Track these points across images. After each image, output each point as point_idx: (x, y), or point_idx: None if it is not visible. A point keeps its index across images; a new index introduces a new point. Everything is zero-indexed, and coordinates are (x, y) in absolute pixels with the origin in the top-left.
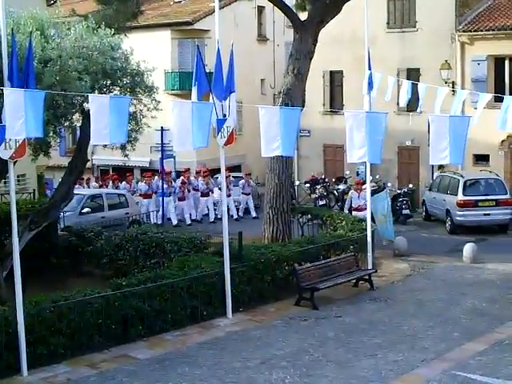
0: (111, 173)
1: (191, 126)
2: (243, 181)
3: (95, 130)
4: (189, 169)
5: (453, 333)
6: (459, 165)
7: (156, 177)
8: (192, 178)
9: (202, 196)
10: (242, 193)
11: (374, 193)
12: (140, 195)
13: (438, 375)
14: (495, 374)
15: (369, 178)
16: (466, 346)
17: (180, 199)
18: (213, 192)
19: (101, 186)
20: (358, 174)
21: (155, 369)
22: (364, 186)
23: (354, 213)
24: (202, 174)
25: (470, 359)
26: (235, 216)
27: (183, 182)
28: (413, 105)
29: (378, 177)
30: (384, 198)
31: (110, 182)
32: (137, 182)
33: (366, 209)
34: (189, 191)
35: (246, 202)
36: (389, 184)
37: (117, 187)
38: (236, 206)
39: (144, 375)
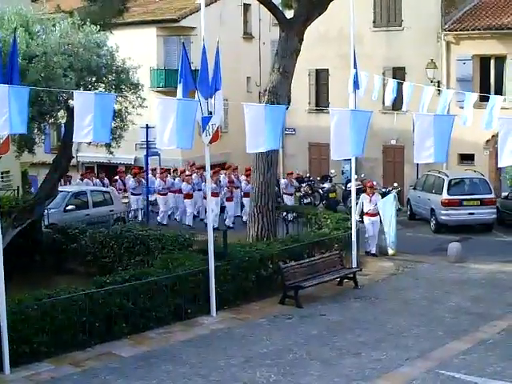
0: (127, 168)
1: (176, 124)
2: (285, 180)
3: (78, 127)
4: (230, 166)
5: (437, 331)
6: (444, 162)
7: (194, 174)
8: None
9: (244, 196)
10: (284, 193)
11: (359, 191)
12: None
13: (422, 374)
14: (479, 373)
15: (354, 176)
16: (450, 345)
17: (228, 200)
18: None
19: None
20: (342, 173)
21: (139, 366)
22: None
23: (365, 218)
24: (245, 173)
25: (454, 358)
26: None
27: (231, 181)
28: (398, 104)
29: (362, 175)
30: (391, 203)
31: (131, 178)
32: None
33: (378, 214)
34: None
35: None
36: (395, 184)
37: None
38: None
39: (128, 373)
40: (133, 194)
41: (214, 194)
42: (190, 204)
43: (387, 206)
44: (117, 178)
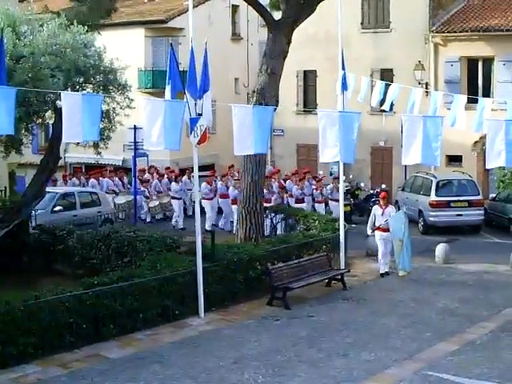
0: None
1: (163, 125)
2: (331, 185)
3: (67, 127)
4: (278, 170)
5: (425, 333)
6: (437, 165)
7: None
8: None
9: (296, 202)
10: (331, 199)
11: (347, 193)
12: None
13: (410, 375)
14: (467, 374)
15: (342, 177)
16: (437, 346)
17: (298, 201)
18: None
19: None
20: (331, 174)
21: (127, 368)
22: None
23: (376, 233)
24: (298, 177)
25: (441, 359)
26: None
27: (282, 187)
28: (386, 105)
29: (351, 176)
30: (401, 220)
31: (155, 179)
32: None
33: (389, 230)
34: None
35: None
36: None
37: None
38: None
39: (116, 375)
40: (174, 197)
41: (300, 201)
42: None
43: (396, 225)
44: (149, 178)
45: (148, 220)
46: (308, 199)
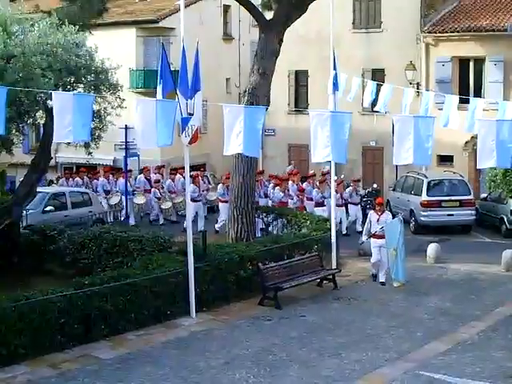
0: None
1: (155, 124)
2: (350, 188)
3: (58, 127)
4: (298, 171)
5: (416, 332)
6: (428, 165)
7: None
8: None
9: (315, 206)
10: (350, 202)
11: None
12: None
13: (401, 375)
14: (458, 374)
15: (333, 178)
16: (429, 346)
17: (318, 205)
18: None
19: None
20: (322, 174)
21: (118, 369)
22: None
23: (372, 240)
24: (319, 179)
25: (433, 359)
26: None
27: (301, 190)
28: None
29: (342, 176)
30: (397, 227)
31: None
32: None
33: (384, 237)
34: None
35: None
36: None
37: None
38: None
39: (106, 375)
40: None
41: (320, 204)
42: None
43: (391, 233)
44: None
45: (161, 222)
46: (328, 202)
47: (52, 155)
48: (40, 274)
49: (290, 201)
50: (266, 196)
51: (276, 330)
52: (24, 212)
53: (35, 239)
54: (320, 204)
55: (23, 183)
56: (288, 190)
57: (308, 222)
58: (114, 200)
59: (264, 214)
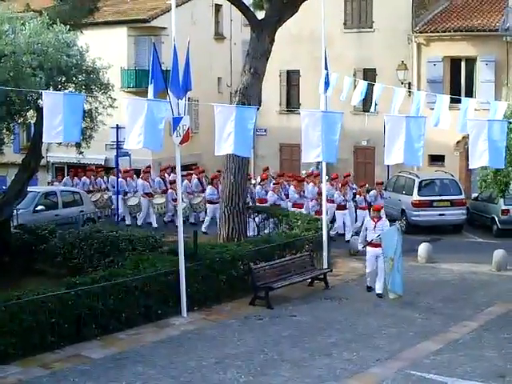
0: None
1: (145, 124)
2: (374, 191)
3: (48, 127)
4: (318, 173)
5: (407, 332)
6: (419, 165)
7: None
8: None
9: (337, 209)
10: (360, 207)
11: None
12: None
13: (393, 374)
14: (450, 373)
15: (324, 177)
16: (420, 346)
17: (340, 208)
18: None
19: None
20: (307, 176)
21: (109, 368)
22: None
23: (368, 249)
24: (341, 182)
25: (424, 358)
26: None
27: (320, 193)
28: (369, 105)
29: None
30: (394, 236)
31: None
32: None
33: (380, 245)
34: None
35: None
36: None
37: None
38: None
39: (98, 375)
40: (212, 202)
41: (342, 207)
42: None
43: (388, 242)
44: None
45: (177, 223)
46: (350, 205)
47: (43, 154)
48: (31, 274)
49: (309, 203)
50: (287, 197)
51: (267, 330)
52: (15, 211)
53: (26, 239)
54: (342, 207)
55: (14, 182)
56: (303, 192)
57: (299, 221)
58: (133, 201)
59: (255, 214)
